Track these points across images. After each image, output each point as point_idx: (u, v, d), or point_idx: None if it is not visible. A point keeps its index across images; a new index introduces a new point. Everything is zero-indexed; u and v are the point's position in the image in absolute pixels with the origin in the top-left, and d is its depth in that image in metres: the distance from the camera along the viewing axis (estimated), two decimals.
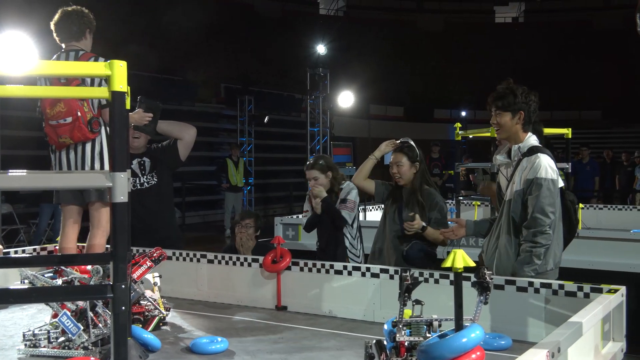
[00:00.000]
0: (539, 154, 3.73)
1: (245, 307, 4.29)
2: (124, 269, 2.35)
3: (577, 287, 3.33)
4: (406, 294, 1.86)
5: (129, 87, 3.01)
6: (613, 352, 3.07)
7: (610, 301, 3.03)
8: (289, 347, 3.35)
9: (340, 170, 5.30)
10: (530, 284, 3.45)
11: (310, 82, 15.65)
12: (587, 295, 3.28)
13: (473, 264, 1.81)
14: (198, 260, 4.56)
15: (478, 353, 1.78)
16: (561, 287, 3.37)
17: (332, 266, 4.09)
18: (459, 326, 1.79)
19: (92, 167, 4.41)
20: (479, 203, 8.54)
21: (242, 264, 4.39)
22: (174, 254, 4.63)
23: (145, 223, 5.16)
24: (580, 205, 8.01)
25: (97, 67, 2.31)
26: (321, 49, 15.99)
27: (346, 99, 17.18)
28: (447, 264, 1.80)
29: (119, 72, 2.32)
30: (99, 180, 2.34)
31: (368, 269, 3.95)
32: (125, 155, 2.36)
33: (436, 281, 3.67)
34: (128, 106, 3.14)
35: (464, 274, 1.93)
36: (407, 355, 1.95)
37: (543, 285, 3.42)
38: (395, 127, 28.21)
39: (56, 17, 4.55)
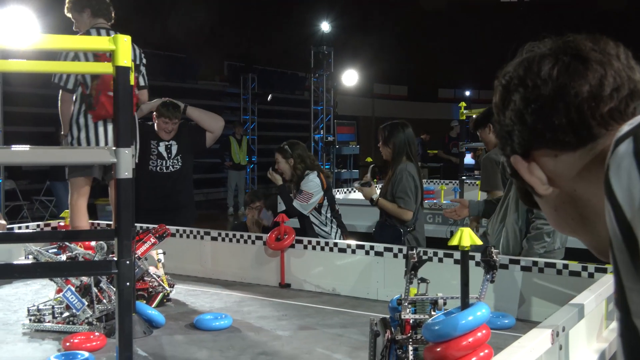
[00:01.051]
0: None
1: (249, 285, 4.30)
2: (128, 245, 2.35)
3: (582, 267, 3.32)
4: (412, 272, 1.86)
5: (133, 63, 2.99)
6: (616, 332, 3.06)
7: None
8: (293, 324, 3.36)
9: (308, 161, 5.19)
10: (535, 263, 3.44)
11: (314, 60, 15.56)
12: (591, 275, 3.28)
13: (480, 243, 1.80)
14: (202, 238, 4.56)
15: (484, 331, 1.78)
16: (565, 266, 3.36)
17: (335, 244, 4.09)
18: (465, 304, 1.78)
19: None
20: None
21: (245, 242, 4.39)
22: (177, 230, 4.63)
23: (170, 203, 5.49)
24: None
25: (100, 42, 2.29)
26: (325, 26, 15.88)
27: (350, 78, 17.10)
28: (454, 242, 1.79)
29: (123, 46, 2.30)
30: (103, 156, 2.33)
31: (372, 247, 3.95)
32: (129, 131, 2.35)
33: (440, 260, 3.67)
34: (132, 82, 3.12)
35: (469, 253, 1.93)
36: (412, 332, 1.95)
37: (547, 264, 3.41)
38: (399, 107, 28.18)
39: None
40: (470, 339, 1.75)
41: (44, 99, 10.99)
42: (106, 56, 4.20)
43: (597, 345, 2.80)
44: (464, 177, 8.28)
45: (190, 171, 5.79)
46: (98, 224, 5.07)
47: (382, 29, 27.45)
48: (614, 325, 2.98)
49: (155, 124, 5.54)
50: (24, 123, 12.88)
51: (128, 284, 2.35)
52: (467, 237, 1.76)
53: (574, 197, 0.96)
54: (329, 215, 5.13)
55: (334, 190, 8.35)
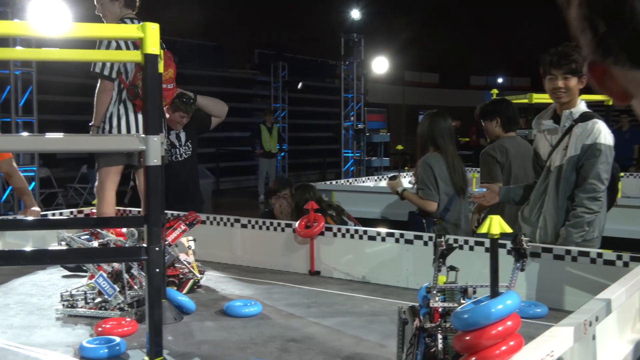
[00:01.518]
0: (595, 119, 3.63)
1: (279, 272, 4.30)
2: (157, 232, 2.37)
3: (617, 255, 3.26)
4: (441, 260, 1.83)
5: (161, 51, 3.00)
6: None
7: None
8: (322, 311, 3.36)
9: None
10: (568, 252, 3.39)
11: (344, 47, 15.49)
12: (626, 264, 3.22)
13: (510, 230, 1.77)
14: (232, 225, 4.58)
15: (514, 320, 1.75)
16: (599, 255, 3.31)
17: (365, 232, 4.07)
18: (495, 293, 1.76)
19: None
20: None
21: (275, 229, 4.40)
22: (207, 218, 4.65)
23: (184, 189, 5.58)
24: (620, 173, 7.85)
25: (129, 30, 2.30)
26: (355, 14, 15.79)
27: (380, 65, 17.00)
28: (483, 229, 1.76)
29: (151, 34, 2.30)
30: (132, 144, 2.34)
31: (402, 235, 3.93)
32: (159, 119, 2.36)
33: (471, 248, 3.63)
34: (161, 69, 3.13)
35: (499, 241, 1.90)
36: (440, 321, 1.93)
37: (581, 253, 3.36)
38: (430, 94, 27.97)
39: None
40: (500, 328, 1.73)
41: (78, 88, 11.11)
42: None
43: (632, 336, 2.75)
44: None
45: (196, 154, 5.86)
46: (130, 211, 5.13)
47: (413, 16, 27.22)
48: None
49: (168, 116, 5.57)
50: (58, 111, 13.06)
51: (157, 270, 2.37)
52: (496, 224, 1.73)
53: None
54: None
55: (361, 177, 8.37)
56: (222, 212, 5.09)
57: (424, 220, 4.74)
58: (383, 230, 4.04)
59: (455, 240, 3.69)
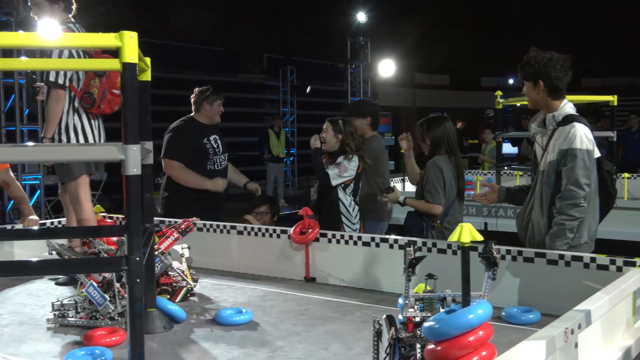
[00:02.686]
0: (574, 123, 3.56)
1: (275, 279, 4.29)
2: (138, 242, 2.36)
3: (610, 260, 3.22)
4: (410, 270, 1.81)
5: (144, 59, 2.99)
6: None
7: None
8: (313, 318, 3.34)
9: (356, 143, 5.18)
10: (561, 257, 3.35)
11: (350, 51, 15.47)
12: (619, 269, 3.17)
13: (481, 238, 1.75)
14: (228, 232, 4.57)
15: (485, 330, 1.72)
16: (593, 260, 3.27)
17: (360, 238, 4.05)
18: (466, 302, 1.73)
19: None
20: (520, 173, 8.36)
21: (270, 235, 4.39)
22: (204, 225, 4.65)
23: (218, 199, 5.57)
24: (626, 175, 7.76)
25: (107, 39, 2.29)
26: (361, 17, 15.77)
27: (387, 68, 16.95)
28: (454, 238, 1.74)
29: (129, 43, 2.30)
30: (112, 153, 2.33)
31: (396, 241, 3.90)
32: (137, 128, 2.35)
33: (454, 252, 3.60)
34: (149, 77, 3.13)
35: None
36: (415, 330, 1.91)
37: (574, 258, 3.32)
38: (441, 96, 27.90)
39: None
40: (471, 338, 1.70)
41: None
42: (100, 53, 4.18)
43: (622, 343, 2.71)
44: (500, 167, 8.13)
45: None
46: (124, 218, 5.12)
47: (421, 17, 27.17)
48: None
49: (211, 110, 5.59)
50: None
51: (139, 280, 2.36)
52: (467, 233, 1.71)
53: None
54: (352, 199, 5.12)
55: None
56: (232, 217, 5.06)
57: (424, 224, 4.69)
58: (377, 236, 4.02)
59: (449, 246, 3.67)
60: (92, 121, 4.42)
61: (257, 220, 4.95)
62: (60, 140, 4.29)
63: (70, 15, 4.47)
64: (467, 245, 1.72)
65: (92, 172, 4.45)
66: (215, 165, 5.58)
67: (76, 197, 4.40)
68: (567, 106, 3.67)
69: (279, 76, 19.59)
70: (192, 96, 5.67)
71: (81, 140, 4.33)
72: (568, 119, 3.60)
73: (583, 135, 3.52)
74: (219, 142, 5.65)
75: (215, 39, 19.79)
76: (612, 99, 7.71)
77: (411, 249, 1.80)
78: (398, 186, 8.43)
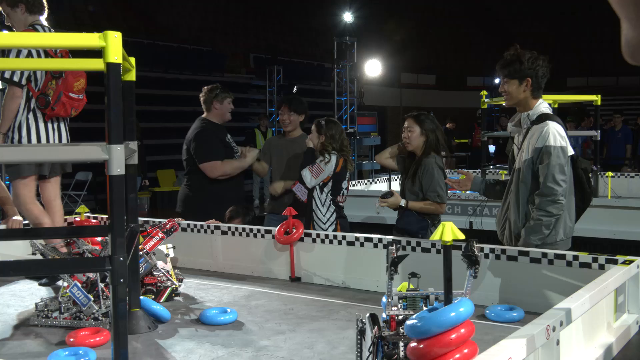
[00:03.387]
0: (547, 121, 3.61)
1: (260, 278, 4.29)
2: (122, 242, 2.36)
3: (592, 258, 3.25)
4: (392, 268, 1.82)
5: (129, 58, 2.99)
6: (627, 324, 2.99)
7: (624, 272, 2.95)
8: (298, 318, 3.34)
9: (337, 145, 5.14)
10: (544, 255, 3.37)
11: (337, 51, 15.48)
12: (602, 267, 3.20)
13: (462, 237, 1.76)
14: (212, 232, 4.56)
15: (467, 328, 1.74)
16: (575, 258, 3.29)
17: (344, 237, 4.06)
18: (449, 300, 1.74)
19: (67, 141, 4.49)
20: (506, 172, 8.40)
21: (255, 235, 4.39)
22: (188, 225, 4.64)
23: (238, 196, 5.68)
24: (610, 173, 7.84)
25: (90, 39, 2.29)
26: (348, 17, 15.78)
27: (373, 68, 16.98)
28: (436, 236, 1.75)
29: (113, 43, 2.30)
30: (95, 153, 2.33)
31: (380, 240, 3.91)
32: (121, 128, 2.35)
33: (438, 251, 3.62)
34: (133, 77, 3.12)
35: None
36: (398, 329, 1.92)
37: (557, 256, 3.35)
38: (427, 96, 27.95)
39: None
40: (453, 336, 1.71)
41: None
42: (66, 52, 4.15)
43: (604, 340, 2.74)
44: (485, 166, 8.17)
45: None
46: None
47: (407, 18, 27.26)
48: (626, 316, 2.89)
49: (221, 108, 5.60)
50: None
51: (122, 280, 2.36)
52: (449, 231, 1.72)
53: None
54: (329, 199, 5.08)
55: (351, 181, 8.31)
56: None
57: (428, 221, 4.66)
58: (361, 235, 4.03)
59: (433, 245, 3.68)
60: (49, 123, 4.36)
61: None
62: (12, 138, 4.25)
63: (41, 17, 4.42)
64: (449, 243, 1.73)
65: (43, 172, 4.41)
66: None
67: (19, 198, 4.32)
68: (542, 105, 3.72)
69: (266, 76, 19.55)
70: (201, 95, 5.66)
71: (33, 140, 4.25)
72: (542, 118, 3.65)
73: (556, 133, 3.57)
74: (231, 141, 5.73)
75: (202, 39, 19.74)
76: (596, 98, 7.77)
77: (393, 247, 1.81)
78: (383, 186, 8.45)
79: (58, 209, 4.56)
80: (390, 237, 3.93)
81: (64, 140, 4.42)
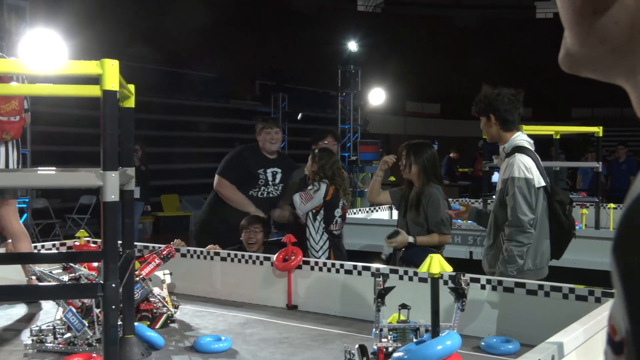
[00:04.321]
0: (516, 154, 3.76)
1: (257, 306, 4.28)
2: (114, 268, 2.36)
3: (588, 291, 3.24)
4: (379, 300, 1.82)
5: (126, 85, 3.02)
6: None
7: None
8: (293, 347, 3.33)
9: (328, 174, 5.14)
10: (541, 287, 3.37)
11: (341, 79, 15.59)
12: (598, 300, 3.19)
13: (450, 269, 1.76)
14: (212, 258, 4.56)
15: None
16: (572, 290, 3.28)
17: (342, 266, 4.06)
18: (436, 333, 1.74)
19: (15, 165, 4.43)
20: None
21: (254, 262, 4.38)
22: (188, 251, 4.64)
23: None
24: (612, 205, 7.81)
25: (88, 66, 2.32)
26: (352, 45, 15.91)
27: (377, 96, 17.06)
28: (424, 269, 1.75)
29: (110, 70, 2.32)
30: (89, 179, 2.35)
31: (377, 270, 3.90)
32: (116, 154, 2.37)
33: (445, 282, 3.60)
34: (132, 104, 3.15)
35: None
36: None
37: (553, 288, 3.34)
38: (432, 125, 28.03)
39: None
40: None
41: (73, 119, 11.18)
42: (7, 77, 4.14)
43: None
44: (487, 195, 8.15)
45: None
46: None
47: (414, 46, 27.46)
48: None
49: (261, 139, 5.62)
50: (53, 142, 13.12)
51: (114, 307, 2.36)
52: (436, 263, 1.72)
53: None
54: (322, 227, 5.08)
55: (353, 209, 8.29)
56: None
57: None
58: (359, 264, 4.02)
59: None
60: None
61: (249, 237, 4.91)
62: None
63: None
64: (436, 276, 1.73)
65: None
66: (259, 194, 5.58)
67: (13, 223, 4.38)
68: (517, 138, 3.87)
69: (271, 103, 19.66)
70: None
71: None
72: (513, 151, 3.77)
73: (521, 164, 3.71)
74: (277, 176, 5.64)
75: (207, 65, 19.89)
76: (598, 129, 7.78)
77: (380, 279, 1.81)
78: (385, 214, 8.43)
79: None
80: (388, 267, 3.91)
81: (13, 163, 4.38)
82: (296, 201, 5.05)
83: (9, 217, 4.43)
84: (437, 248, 4.58)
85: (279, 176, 5.67)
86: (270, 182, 5.61)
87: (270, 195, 5.64)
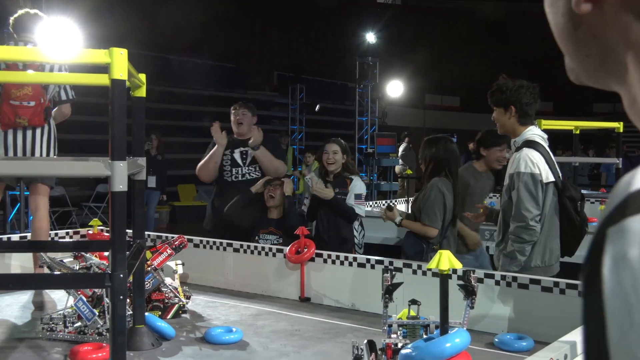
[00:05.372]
0: (524, 148, 3.68)
1: (269, 297, 4.26)
2: (122, 258, 2.34)
3: None
4: (387, 296, 1.78)
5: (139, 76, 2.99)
6: None
7: None
8: (304, 339, 3.30)
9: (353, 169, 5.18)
10: (556, 284, 3.31)
11: (359, 71, 15.52)
12: None
13: (460, 266, 1.72)
14: (224, 249, 4.55)
15: (463, 359, 1.69)
16: None
17: (355, 259, 4.02)
18: (445, 330, 1.70)
19: (41, 153, 4.43)
20: None
21: (267, 254, 4.36)
22: (200, 242, 4.63)
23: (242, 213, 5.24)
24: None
25: (97, 55, 2.29)
26: (370, 37, 15.83)
27: (395, 89, 16.99)
28: (432, 265, 1.71)
29: (119, 60, 2.30)
30: (97, 169, 2.33)
31: (391, 263, 3.86)
32: (124, 144, 2.35)
33: (459, 277, 3.56)
34: (143, 93, 3.13)
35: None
36: (394, 357, 1.88)
37: (569, 286, 3.28)
38: (451, 117, 27.86)
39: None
40: None
41: (92, 107, 11.20)
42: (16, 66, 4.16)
43: None
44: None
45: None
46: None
47: (434, 39, 27.28)
48: None
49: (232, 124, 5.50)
50: (73, 131, 13.18)
51: (122, 297, 2.34)
52: (445, 260, 1.68)
53: None
54: (359, 223, 5.12)
55: (369, 202, 8.28)
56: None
57: (424, 245, 4.62)
58: (373, 257, 3.98)
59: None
60: (8, 132, 4.36)
61: (269, 191, 4.88)
62: None
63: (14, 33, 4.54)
64: (445, 272, 1.69)
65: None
66: (234, 177, 5.34)
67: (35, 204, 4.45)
68: (529, 132, 3.76)
69: (289, 94, 19.63)
70: None
71: None
72: (524, 145, 3.69)
73: (527, 159, 3.62)
74: (247, 155, 5.36)
75: (226, 56, 19.90)
76: (618, 125, 7.64)
77: (388, 275, 1.78)
78: (402, 207, 8.38)
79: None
80: (402, 261, 3.87)
81: (20, 151, 4.38)
82: (360, 210, 5.03)
83: (36, 202, 4.46)
84: (427, 239, 4.53)
85: (249, 155, 5.35)
86: (239, 163, 5.35)
87: (248, 177, 5.32)
